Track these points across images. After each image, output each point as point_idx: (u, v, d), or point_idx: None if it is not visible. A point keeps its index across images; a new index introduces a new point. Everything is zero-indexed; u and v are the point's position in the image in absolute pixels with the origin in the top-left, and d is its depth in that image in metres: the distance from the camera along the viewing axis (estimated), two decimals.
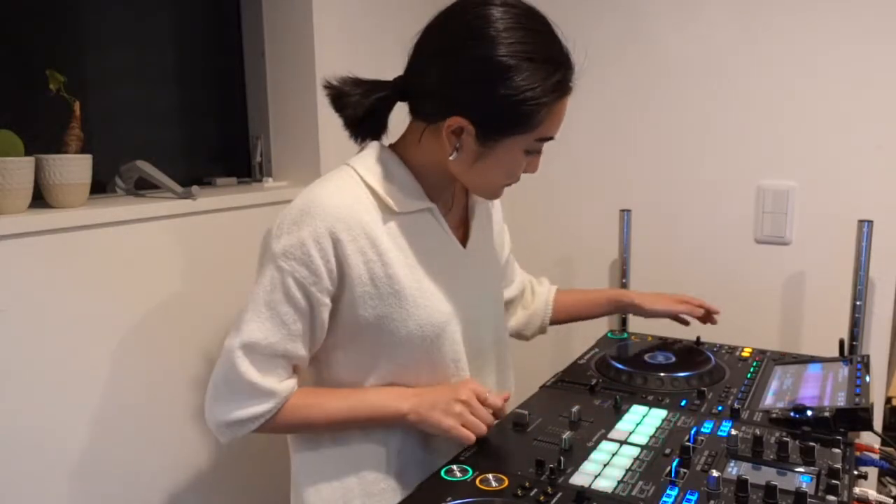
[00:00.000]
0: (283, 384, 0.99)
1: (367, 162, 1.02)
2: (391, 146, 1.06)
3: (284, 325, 0.96)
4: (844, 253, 1.55)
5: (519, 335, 1.39)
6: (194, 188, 1.37)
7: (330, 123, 1.63)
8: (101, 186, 1.40)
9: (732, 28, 1.69)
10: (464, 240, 1.11)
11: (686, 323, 1.41)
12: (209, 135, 1.69)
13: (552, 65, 0.94)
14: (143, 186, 1.42)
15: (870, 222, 1.47)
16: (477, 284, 1.11)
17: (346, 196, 0.98)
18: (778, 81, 1.66)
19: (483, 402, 1.00)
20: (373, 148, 1.04)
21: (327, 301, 0.98)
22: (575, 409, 1.07)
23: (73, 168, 1.19)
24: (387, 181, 1.01)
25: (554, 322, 1.41)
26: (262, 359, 0.97)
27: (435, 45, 0.98)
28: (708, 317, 1.40)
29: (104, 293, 1.22)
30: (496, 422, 1.01)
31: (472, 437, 0.97)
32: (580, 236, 1.90)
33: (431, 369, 1.04)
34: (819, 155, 1.64)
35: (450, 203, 1.11)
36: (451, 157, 0.98)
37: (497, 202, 1.26)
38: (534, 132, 0.96)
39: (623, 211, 1.77)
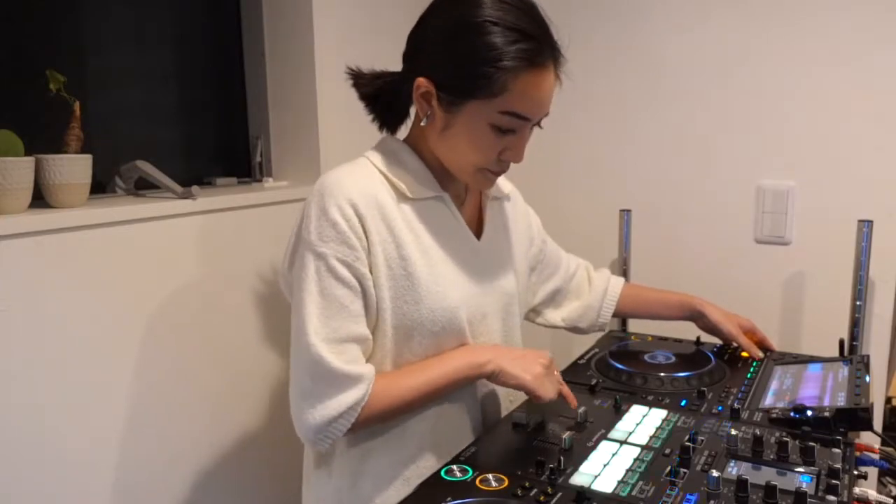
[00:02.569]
0: (367, 367, 0.97)
1: (380, 152, 1.06)
2: (403, 140, 1.09)
3: (344, 307, 0.96)
4: (844, 253, 1.55)
5: (575, 328, 1.39)
6: (194, 188, 1.37)
7: (330, 123, 1.64)
8: (101, 186, 1.40)
9: (732, 29, 1.69)
10: (478, 234, 1.12)
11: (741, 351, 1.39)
12: (209, 135, 1.69)
13: (520, 33, 0.94)
14: (143, 186, 1.42)
15: (870, 222, 1.47)
16: (488, 277, 1.11)
17: (359, 177, 1.01)
18: (778, 81, 1.66)
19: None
20: (385, 140, 1.08)
21: (368, 273, 0.98)
22: (581, 409, 1.07)
23: (73, 168, 1.19)
24: (399, 169, 1.04)
25: (618, 315, 1.41)
26: (339, 346, 0.95)
27: (422, 19, 1.02)
28: (762, 347, 1.39)
29: (104, 293, 1.22)
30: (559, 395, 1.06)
31: (548, 397, 1.02)
32: (580, 236, 1.89)
33: None
34: (819, 155, 1.64)
35: (463, 197, 1.12)
36: (421, 123, 1.01)
37: (515, 198, 1.26)
38: (495, 101, 0.95)
39: (623, 211, 1.77)
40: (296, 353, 0.97)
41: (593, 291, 1.38)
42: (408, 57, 1.04)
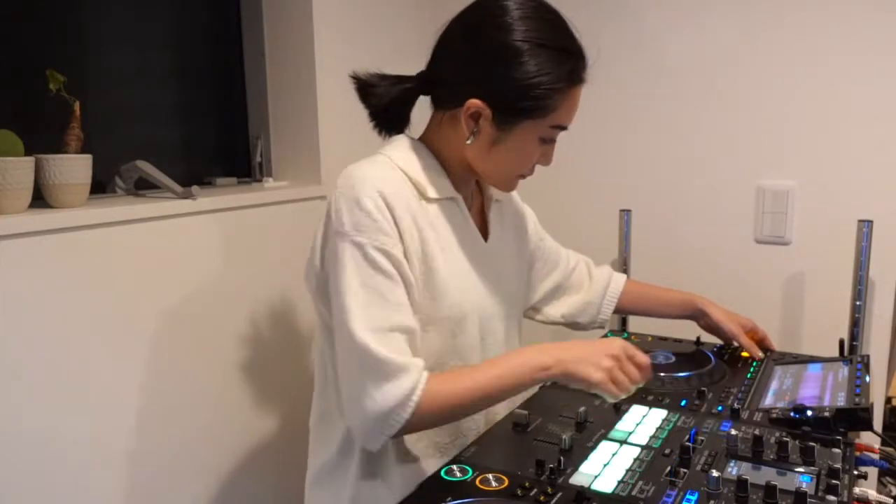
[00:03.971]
0: (414, 359, 0.94)
1: (399, 150, 1.05)
2: (418, 139, 1.10)
3: (384, 297, 0.94)
4: (844, 253, 1.55)
5: (574, 324, 1.38)
6: (194, 188, 1.37)
7: (330, 123, 1.64)
8: (101, 186, 1.40)
9: (732, 29, 1.69)
10: (483, 236, 1.13)
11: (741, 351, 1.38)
12: (209, 135, 1.69)
13: (564, 53, 0.99)
14: (143, 186, 1.42)
15: (870, 222, 1.47)
16: (494, 279, 1.12)
17: (384, 171, 1.01)
18: (778, 82, 1.66)
19: (631, 359, 0.97)
20: (401, 139, 1.08)
21: (405, 260, 0.97)
22: (581, 409, 1.07)
23: (73, 168, 1.19)
24: (418, 168, 1.04)
25: (619, 312, 1.40)
26: (382, 337, 0.92)
27: (455, 34, 1.03)
28: (762, 346, 1.38)
29: (104, 293, 1.22)
30: (643, 382, 0.98)
31: (621, 394, 0.95)
32: (580, 236, 1.89)
33: (455, 354, 1.05)
34: (819, 155, 1.64)
35: (470, 200, 1.13)
36: (467, 142, 1.02)
37: (513, 198, 1.27)
38: (547, 118, 1.00)
39: (623, 211, 1.77)
40: (341, 348, 0.95)
41: (594, 287, 1.38)
42: (450, 78, 1.03)
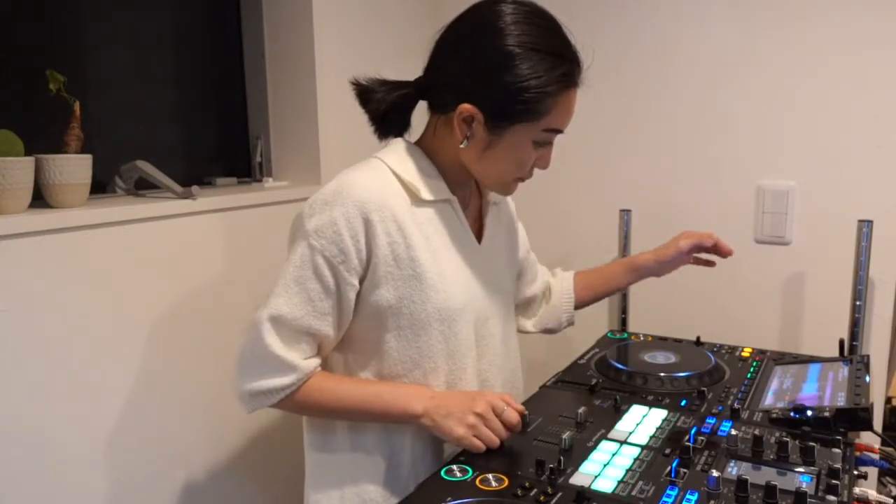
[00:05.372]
0: (307, 361, 1.01)
1: (394, 154, 1.07)
2: (415, 143, 1.11)
3: (311, 301, 0.99)
4: (844, 253, 1.55)
5: (546, 330, 1.39)
6: (194, 188, 1.37)
7: (330, 123, 1.64)
8: (101, 186, 1.40)
9: (733, 28, 1.69)
10: (478, 237, 1.14)
11: (708, 263, 1.38)
12: (209, 135, 1.69)
13: (557, 57, 0.98)
14: (143, 186, 1.42)
15: (870, 222, 1.47)
16: (488, 280, 1.12)
17: (376, 181, 1.02)
18: (778, 82, 1.66)
19: (499, 416, 0.99)
20: (398, 143, 1.09)
21: (354, 282, 1.00)
22: (581, 409, 1.07)
23: (73, 168, 1.19)
24: (412, 171, 1.05)
25: (581, 306, 1.41)
26: (288, 333, 0.99)
27: (450, 40, 1.04)
28: (719, 250, 1.36)
29: (104, 293, 1.22)
30: (509, 436, 1.00)
31: (483, 448, 0.98)
32: (580, 236, 1.89)
33: (449, 356, 1.05)
34: (819, 155, 1.64)
35: (467, 201, 1.14)
36: (461, 146, 1.03)
37: (509, 204, 1.28)
38: (540, 122, 1.00)
39: (623, 211, 1.77)
40: (252, 321, 1.00)
41: (554, 293, 1.40)
42: (444, 83, 1.03)
